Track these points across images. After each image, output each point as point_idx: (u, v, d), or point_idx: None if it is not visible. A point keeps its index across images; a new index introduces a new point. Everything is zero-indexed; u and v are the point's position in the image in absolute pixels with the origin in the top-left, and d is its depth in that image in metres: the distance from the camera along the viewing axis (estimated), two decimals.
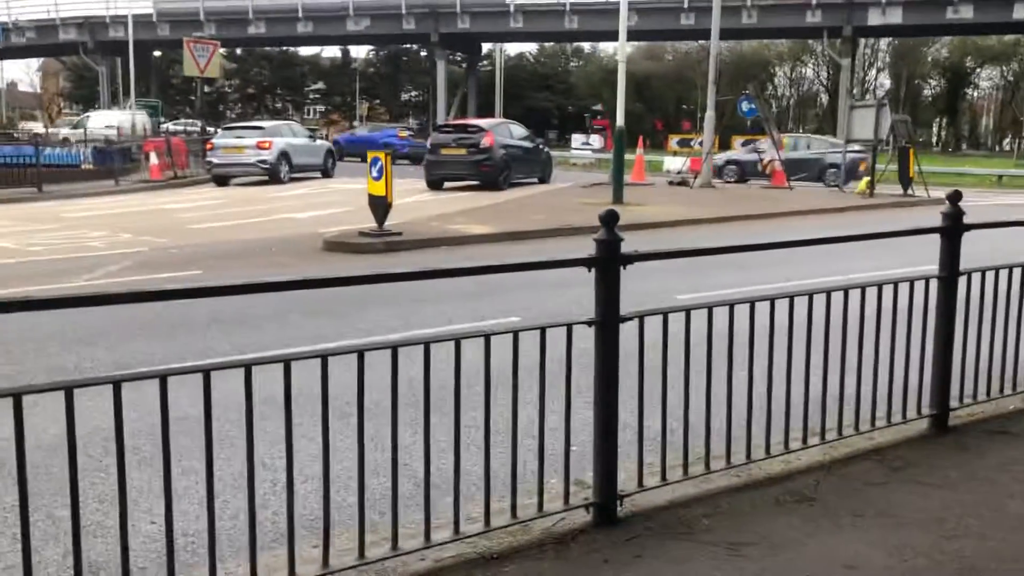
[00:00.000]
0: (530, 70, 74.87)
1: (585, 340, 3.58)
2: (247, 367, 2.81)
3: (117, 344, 6.51)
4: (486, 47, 63.98)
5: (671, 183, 24.94)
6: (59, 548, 3.46)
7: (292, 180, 24.50)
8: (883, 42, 66.97)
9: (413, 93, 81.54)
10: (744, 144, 33.75)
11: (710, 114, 24.21)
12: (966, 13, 43.00)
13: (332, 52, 77.56)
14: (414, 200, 18.81)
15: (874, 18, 44.78)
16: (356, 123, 60.29)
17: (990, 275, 4.80)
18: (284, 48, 71.57)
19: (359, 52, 76.44)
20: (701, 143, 25.88)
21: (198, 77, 29.02)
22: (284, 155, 24.36)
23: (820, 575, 3.15)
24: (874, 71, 71.85)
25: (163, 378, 2.67)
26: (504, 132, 22.99)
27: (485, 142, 21.49)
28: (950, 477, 4.01)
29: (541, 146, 25.65)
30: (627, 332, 3.54)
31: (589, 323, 3.44)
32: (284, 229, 14.05)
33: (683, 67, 68.56)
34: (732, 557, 3.24)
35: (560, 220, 14.69)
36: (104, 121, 35.75)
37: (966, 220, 4.57)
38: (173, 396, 2.73)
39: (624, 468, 3.77)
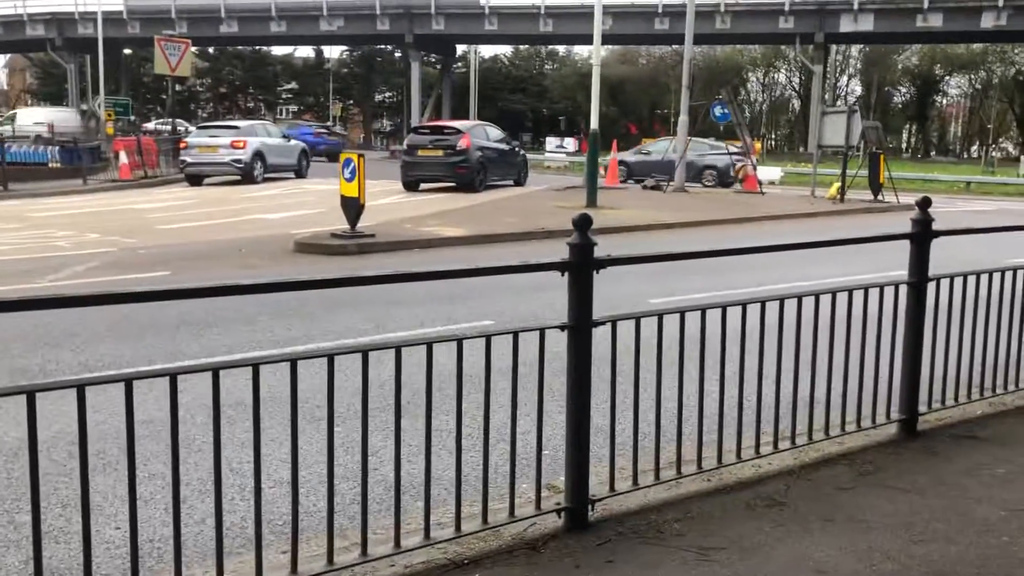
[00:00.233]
0: (504, 72, 74.94)
1: (558, 344, 3.58)
2: (215, 371, 2.76)
3: (84, 346, 6.41)
4: (461, 49, 63.93)
5: (645, 187, 25.05)
6: (20, 555, 3.40)
7: (266, 180, 24.36)
8: (855, 49, 67.81)
9: (387, 94, 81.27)
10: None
11: (683, 119, 24.33)
12: (935, 22, 43.60)
13: (305, 52, 77.17)
14: (389, 202, 18.74)
15: (846, 25, 45.26)
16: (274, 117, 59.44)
17: (959, 281, 4.85)
18: (257, 47, 71.06)
19: (333, 52, 76.11)
20: (674, 148, 26.00)
21: (169, 76, 28.73)
22: (259, 155, 24.21)
23: None
24: (846, 77, 72.78)
25: (128, 382, 2.62)
26: (480, 134, 23.00)
27: (462, 144, 21.50)
28: (918, 482, 4.05)
29: (517, 148, 25.70)
30: (600, 336, 3.53)
31: (562, 327, 3.43)
32: (255, 230, 13.94)
33: (657, 71, 68.99)
34: (702, 562, 3.24)
35: (534, 223, 14.69)
36: (32, 118, 35.22)
37: (935, 226, 4.62)
38: (140, 399, 2.69)
39: (596, 472, 3.77)
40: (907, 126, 76.65)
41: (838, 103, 60.06)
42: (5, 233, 13.31)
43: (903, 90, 74.84)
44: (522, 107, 71.82)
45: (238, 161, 23.60)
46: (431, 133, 22.71)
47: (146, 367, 5.82)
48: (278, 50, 74.17)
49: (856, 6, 44.52)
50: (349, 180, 11.91)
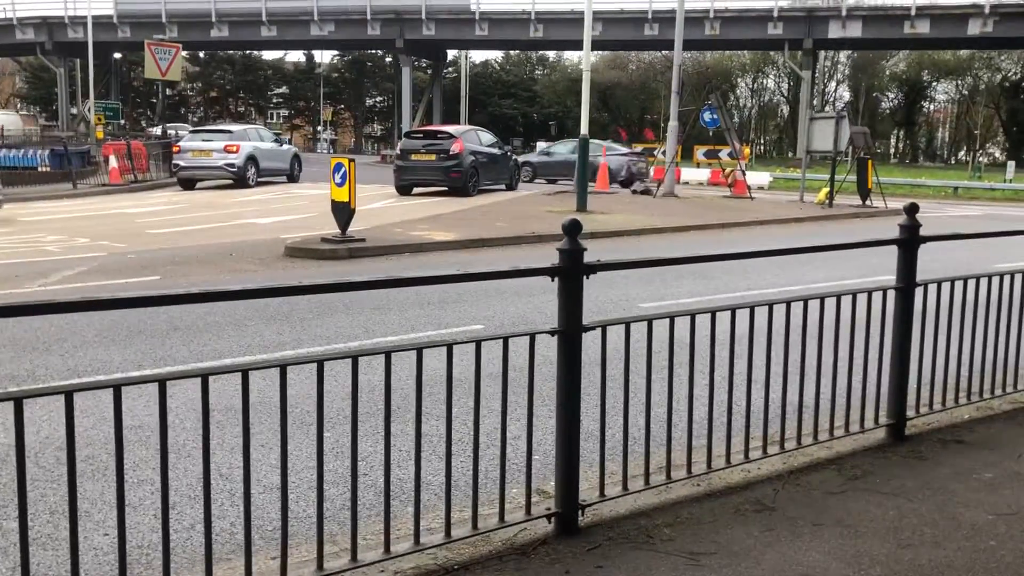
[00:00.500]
0: (495, 77, 75.03)
1: (548, 349, 3.58)
2: (204, 377, 2.76)
3: (73, 351, 6.39)
4: (451, 54, 63.95)
5: (634, 192, 25.12)
6: (8, 561, 3.38)
7: (258, 184, 24.39)
8: (843, 55, 68.14)
9: (378, 99, 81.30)
10: (706, 154, 34.13)
11: (673, 124, 24.41)
12: (923, 28, 43.89)
13: (296, 56, 77.07)
14: (380, 206, 18.74)
15: (834, 31, 45.50)
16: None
17: (946, 286, 4.88)
18: (247, 52, 70.95)
19: (324, 57, 76.06)
20: (664, 152, 26.09)
21: (159, 80, 28.67)
22: (251, 159, 24.24)
23: None
24: (834, 83, 73.10)
25: (117, 388, 2.61)
26: (473, 139, 23.07)
27: (454, 148, 21.58)
28: (906, 486, 4.07)
29: (509, 153, 25.81)
30: (590, 341, 3.54)
31: (552, 332, 3.43)
32: (246, 234, 13.90)
33: (647, 77, 69.16)
34: (692, 567, 3.25)
35: (524, 228, 14.71)
36: None
37: (923, 232, 4.65)
38: (129, 405, 2.68)
39: (586, 477, 3.77)
40: (895, 131, 77.05)
41: (826, 109, 60.29)
42: None
43: (891, 96, 75.24)
44: (513, 112, 71.92)
45: (231, 165, 23.62)
46: (424, 138, 22.77)
47: (135, 372, 5.81)
48: (269, 55, 74.11)
49: (844, 12, 44.79)
50: (340, 185, 11.90)
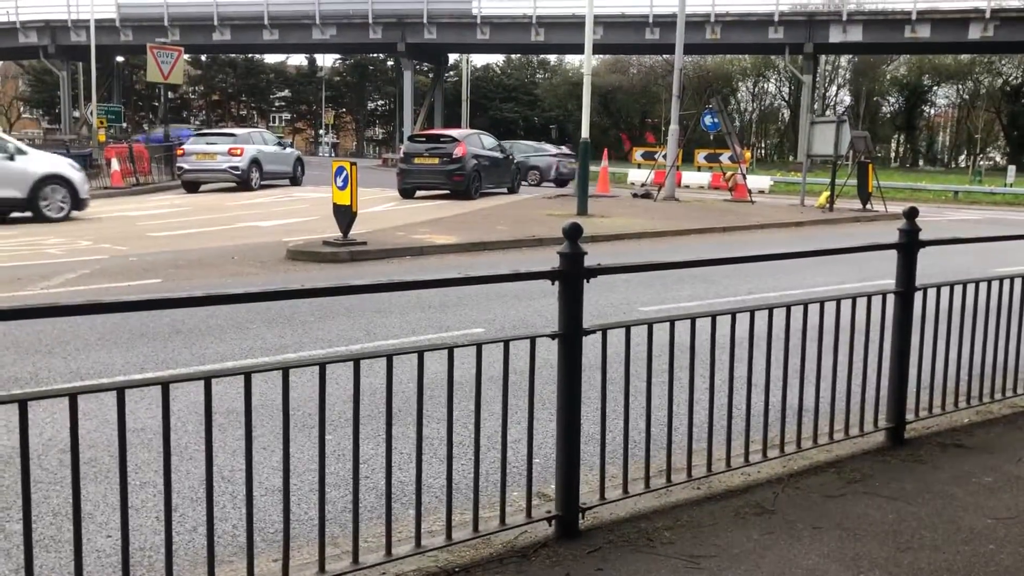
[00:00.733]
0: (496, 81, 75.15)
1: (549, 352, 3.60)
2: (207, 379, 2.77)
3: (75, 354, 6.40)
4: (453, 58, 64.07)
5: (635, 195, 25.15)
6: (11, 563, 3.39)
7: (261, 187, 24.49)
8: (843, 59, 68.23)
9: (380, 102, 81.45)
10: (707, 158, 34.15)
11: (674, 127, 24.45)
12: (923, 32, 43.95)
13: (298, 60, 77.26)
14: (381, 209, 18.77)
15: (835, 35, 45.57)
16: (149, 126, 58.83)
17: (945, 290, 4.90)
18: (249, 56, 71.07)
19: (325, 60, 76.19)
20: (665, 156, 26.12)
21: (161, 83, 28.71)
22: (255, 162, 24.38)
23: None
24: (835, 87, 73.18)
25: (121, 390, 2.63)
26: (475, 142, 23.17)
27: (457, 152, 21.68)
28: (906, 490, 4.08)
29: (511, 156, 25.91)
30: (590, 344, 3.56)
31: (552, 336, 3.45)
32: (248, 237, 13.93)
33: (648, 80, 69.27)
34: (692, 569, 3.26)
35: (525, 231, 14.73)
36: None
37: (922, 236, 4.66)
38: (131, 407, 2.70)
39: (587, 480, 3.79)
40: (895, 136, 77.07)
41: (827, 113, 60.44)
42: None
43: (891, 100, 75.30)
44: (514, 116, 72.04)
45: (235, 168, 23.75)
46: (427, 141, 22.87)
47: (138, 375, 5.83)
48: (271, 58, 74.29)
49: (845, 17, 44.87)
50: (341, 188, 11.93)
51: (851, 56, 65.23)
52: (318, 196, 21.48)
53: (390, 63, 70.89)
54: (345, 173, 11.87)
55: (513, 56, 74.91)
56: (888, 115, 76.05)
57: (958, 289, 4.94)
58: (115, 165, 24.67)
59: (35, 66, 65.66)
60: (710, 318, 3.95)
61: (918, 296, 4.68)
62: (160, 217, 17.18)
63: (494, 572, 3.21)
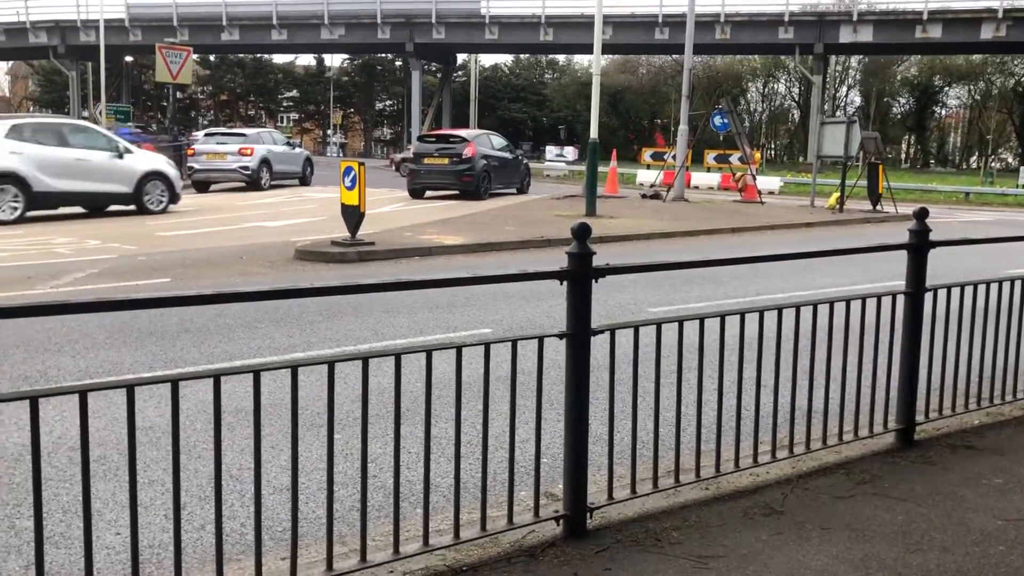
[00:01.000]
0: (505, 81, 75.15)
1: (557, 352, 3.60)
2: (216, 377, 2.78)
3: (84, 352, 6.43)
4: (461, 58, 64.08)
5: (644, 196, 25.12)
6: (21, 560, 3.41)
7: (271, 187, 24.62)
8: (854, 59, 68.01)
9: (388, 102, 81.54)
10: (716, 158, 34.14)
11: (683, 128, 24.42)
12: (935, 33, 43.77)
13: (306, 60, 77.43)
14: (389, 210, 18.80)
15: (845, 36, 45.43)
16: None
17: (956, 291, 4.88)
18: (258, 56, 71.24)
19: (334, 60, 76.31)
20: (674, 156, 26.09)
21: (170, 83, 28.79)
22: (265, 162, 24.53)
23: None
24: (845, 88, 72.93)
25: (130, 388, 2.64)
26: (485, 143, 23.20)
27: (467, 152, 21.72)
28: (915, 491, 4.06)
29: (520, 157, 25.96)
30: (598, 344, 3.55)
31: (561, 336, 3.45)
32: (256, 237, 13.96)
33: (657, 81, 69.19)
34: (700, 570, 3.26)
35: (533, 232, 14.72)
36: None
37: (933, 237, 4.64)
38: (140, 405, 2.71)
39: (594, 480, 3.78)
40: (906, 136, 76.79)
41: (837, 113, 60.26)
42: (6, 239, 13.33)
43: (902, 100, 75.03)
44: (522, 116, 72.03)
45: (245, 168, 23.90)
46: (437, 141, 22.92)
47: (147, 373, 5.85)
48: (279, 58, 74.44)
49: (855, 17, 44.71)
50: (350, 188, 11.95)
51: (862, 56, 65.03)
52: (326, 196, 21.52)
53: (398, 63, 70.93)
54: (353, 173, 11.88)
55: (522, 56, 74.90)
56: (899, 116, 75.78)
57: (968, 290, 4.92)
58: None
59: (45, 66, 65.97)
60: (719, 318, 3.94)
61: (928, 297, 4.66)
62: (168, 216, 17.22)
63: (502, 571, 3.21)
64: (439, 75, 63.32)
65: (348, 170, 12.03)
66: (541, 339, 3.42)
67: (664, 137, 49.32)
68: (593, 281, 3.43)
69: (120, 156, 17.14)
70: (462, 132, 24.58)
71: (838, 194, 22.57)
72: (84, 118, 50.39)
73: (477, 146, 22.22)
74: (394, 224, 15.44)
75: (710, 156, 36.12)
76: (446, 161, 21.83)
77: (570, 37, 48.50)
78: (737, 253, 4.53)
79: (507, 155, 24.28)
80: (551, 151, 50.41)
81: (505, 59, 77.13)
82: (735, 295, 9.29)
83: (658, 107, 71.31)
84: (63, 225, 15.48)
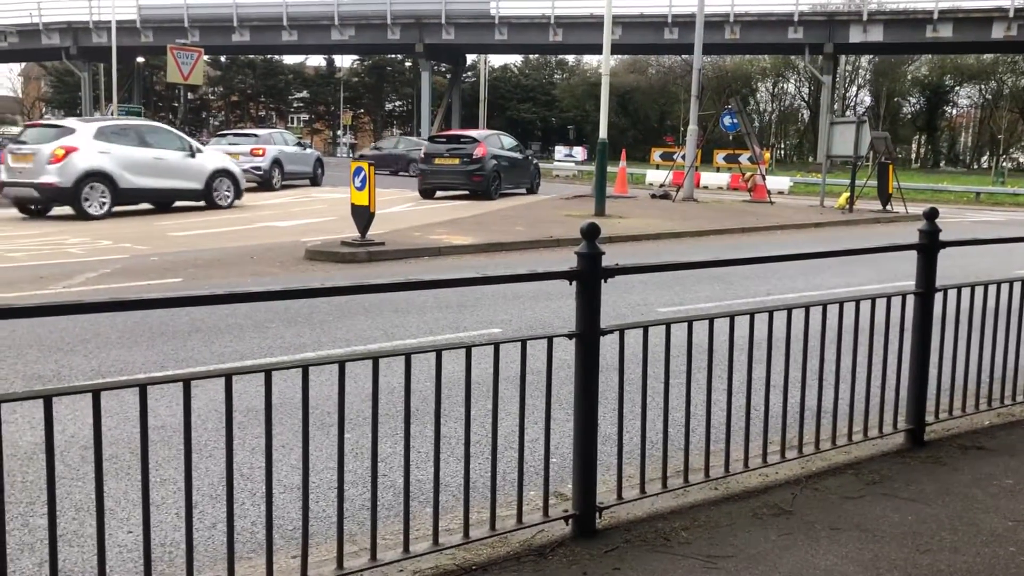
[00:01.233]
0: (514, 82, 75.09)
1: (566, 352, 3.61)
2: (227, 377, 2.80)
3: (96, 351, 6.47)
4: (470, 58, 64.13)
5: (653, 196, 25.09)
6: (35, 557, 3.44)
7: (282, 187, 24.76)
8: (864, 59, 67.73)
9: (397, 103, 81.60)
10: (726, 158, 34.08)
11: (692, 128, 24.38)
12: (945, 32, 43.58)
13: (316, 61, 77.56)
14: (399, 210, 18.83)
15: (855, 35, 45.29)
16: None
17: (966, 291, 4.86)
18: (268, 56, 71.42)
19: (344, 61, 76.43)
20: (684, 157, 26.06)
21: (181, 84, 28.89)
22: (277, 163, 24.73)
23: None
24: (855, 88, 72.61)
25: (143, 387, 2.66)
26: (495, 143, 23.28)
27: (478, 153, 21.80)
28: (925, 492, 4.06)
29: (530, 157, 26.01)
30: (608, 344, 3.56)
31: (570, 336, 3.45)
32: (266, 238, 14.01)
33: (667, 81, 69.01)
34: (709, 570, 3.26)
35: (543, 232, 14.73)
36: None
37: (943, 237, 4.63)
38: (152, 404, 2.73)
39: (603, 480, 3.79)
40: (916, 136, 76.42)
41: (847, 113, 60.06)
42: (20, 239, 13.42)
43: (912, 100, 74.66)
44: (531, 116, 71.96)
45: (257, 168, 24.10)
46: (448, 142, 23.00)
47: (159, 372, 5.88)
48: (289, 59, 74.60)
49: (866, 17, 44.57)
50: (359, 189, 11.98)
51: (872, 56, 64.78)
52: (336, 196, 21.59)
53: (408, 64, 71.03)
54: (363, 174, 11.92)
55: (531, 56, 74.86)
56: (909, 116, 75.41)
57: (979, 290, 4.91)
58: None
59: (57, 67, 66.29)
60: (728, 319, 3.95)
61: (938, 297, 4.65)
62: (180, 216, 17.30)
63: (511, 570, 3.22)
64: (448, 76, 63.38)
65: (358, 170, 12.06)
66: (550, 339, 3.43)
67: (673, 137, 49.22)
68: (602, 281, 3.44)
69: (192, 155, 18.32)
70: (473, 132, 24.63)
71: (848, 194, 22.50)
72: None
73: (488, 146, 22.30)
74: (404, 224, 15.47)
75: (720, 156, 36.06)
76: (457, 161, 21.92)
77: (579, 37, 48.47)
78: (747, 253, 4.53)
79: (517, 155, 24.35)
80: (560, 151, 50.34)
81: (514, 59, 77.11)
82: (745, 295, 9.28)
83: (667, 107, 71.17)
84: (77, 225, 15.57)
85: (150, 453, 2.72)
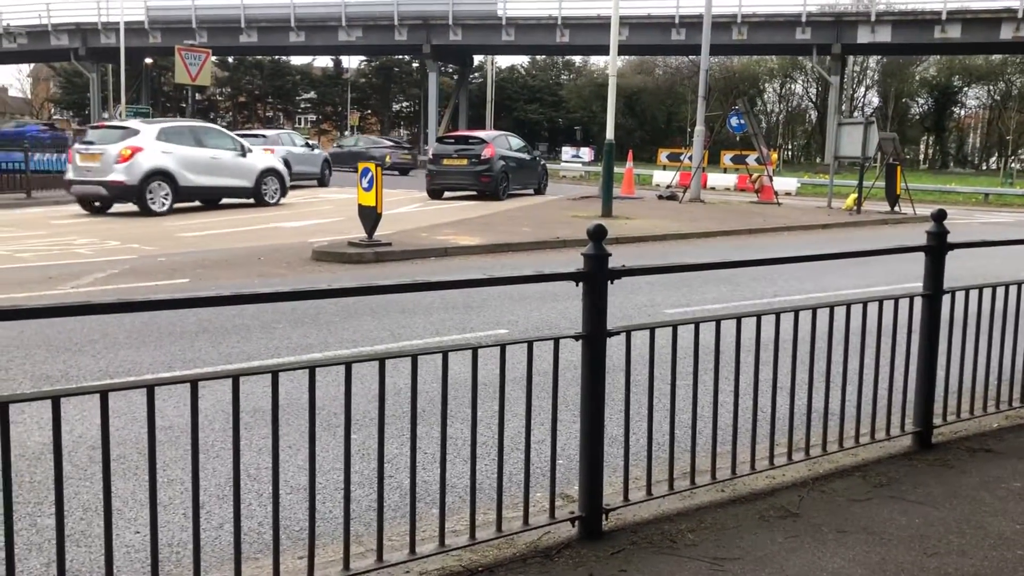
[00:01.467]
0: (521, 82, 75.05)
1: (572, 353, 3.60)
2: (234, 377, 2.81)
3: (104, 352, 6.49)
4: (478, 59, 64.15)
5: (660, 197, 25.07)
6: (43, 557, 3.45)
7: (291, 188, 24.77)
8: (872, 60, 67.53)
9: (404, 104, 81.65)
10: (733, 159, 34.02)
11: (700, 129, 24.35)
12: (953, 33, 43.43)
13: (324, 62, 77.67)
14: (407, 210, 18.85)
15: (863, 36, 45.16)
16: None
17: (974, 293, 4.85)
18: (276, 57, 71.57)
19: (351, 62, 76.54)
20: (691, 157, 26.02)
21: (189, 85, 28.97)
22: (285, 163, 24.73)
23: None
24: (863, 89, 72.38)
25: (150, 388, 2.67)
26: (503, 144, 23.33)
27: (486, 153, 21.87)
28: (933, 494, 4.04)
29: (537, 158, 26.04)
30: (614, 346, 3.56)
31: (576, 337, 3.45)
32: (274, 238, 14.04)
33: (674, 82, 68.91)
34: (716, 572, 3.25)
35: (549, 233, 14.72)
36: None
37: (951, 239, 4.62)
38: (159, 405, 2.73)
39: (610, 482, 3.79)
40: (924, 137, 76.11)
41: (855, 114, 59.89)
42: (28, 240, 13.47)
43: (921, 101, 74.39)
44: (538, 117, 71.91)
45: None
46: (456, 143, 23.08)
47: (166, 373, 5.90)
48: (297, 60, 74.70)
49: (873, 17, 44.45)
50: (367, 189, 12.00)
51: (880, 57, 64.59)
52: (343, 197, 21.63)
53: (415, 64, 71.03)
54: (371, 175, 11.93)
55: (538, 57, 74.84)
56: (917, 116, 75.13)
57: (987, 292, 4.89)
58: None
59: (66, 68, 66.53)
60: (735, 320, 3.94)
61: (946, 299, 4.64)
62: (188, 217, 17.35)
63: (517, 572, 3.22)
64: (456, 76, 63.39)
65: (365, 171, 12.09)
66: (557, 340, 3.43)
67: (680, 138, 49.16)
68: (609, 282, 3.44)
69: (243, 155, 19.29)
70: (481, 133, 24.68)
71: (855, 195, 22.44)
72: (106, 119, 50.84)
73: (496, 147, 22.36)
74: (411, 225, 15.48)
75: (727, 157, 35.97)
76: (465, 162, 22.00)
77: (586, 38, 48.45)
78: (754, 255, 4.53)
79: (525, 156, 24.40)
80: (567, 152, 50.33)
81: (521, 60, 77.07)
82: (752, 297, 9.26)
83: (674, 108, 71.03)
84: (84, 225, 15.62)
85: (157, 453, 2.73)
